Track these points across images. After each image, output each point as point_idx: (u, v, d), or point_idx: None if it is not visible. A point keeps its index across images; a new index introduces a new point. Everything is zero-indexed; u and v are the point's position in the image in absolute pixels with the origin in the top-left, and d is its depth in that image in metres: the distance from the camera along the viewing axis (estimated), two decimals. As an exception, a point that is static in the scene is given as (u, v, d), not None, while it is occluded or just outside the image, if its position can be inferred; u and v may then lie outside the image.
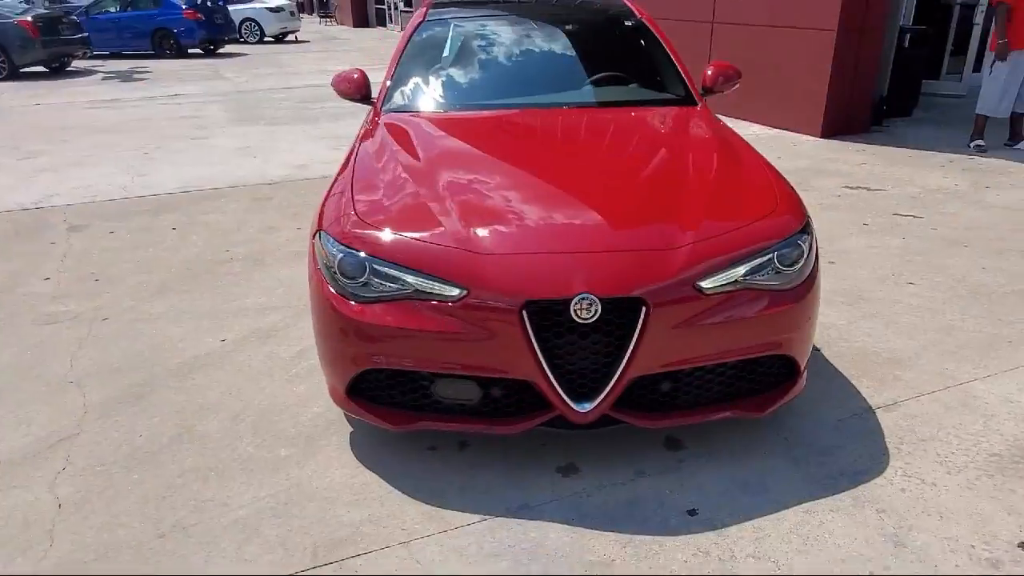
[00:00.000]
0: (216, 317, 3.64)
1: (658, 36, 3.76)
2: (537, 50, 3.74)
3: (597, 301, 2.15)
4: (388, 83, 3.51)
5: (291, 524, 2.24)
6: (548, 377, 2.22)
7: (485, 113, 3.30)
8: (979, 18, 9.61)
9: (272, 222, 5.09)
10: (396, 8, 24.05)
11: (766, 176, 2.71)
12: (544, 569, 2.06)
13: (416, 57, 3.63)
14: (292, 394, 2.95)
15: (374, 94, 3.57)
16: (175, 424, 2.76)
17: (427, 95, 3.49)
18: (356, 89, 3.53)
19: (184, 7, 16.60)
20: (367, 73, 3.65)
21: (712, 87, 3.60)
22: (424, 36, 3.74)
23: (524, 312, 2.16)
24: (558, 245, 2.28)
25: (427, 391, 2.38)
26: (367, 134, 3.19)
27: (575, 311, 2.15)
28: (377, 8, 26.39)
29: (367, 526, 2.23)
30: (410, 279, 2.26)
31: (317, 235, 2.50)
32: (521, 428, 2.33)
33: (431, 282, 2.24)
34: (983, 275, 3.98)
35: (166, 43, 16.81)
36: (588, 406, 2.26)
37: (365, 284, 2.31)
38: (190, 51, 17.26)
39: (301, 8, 23.61)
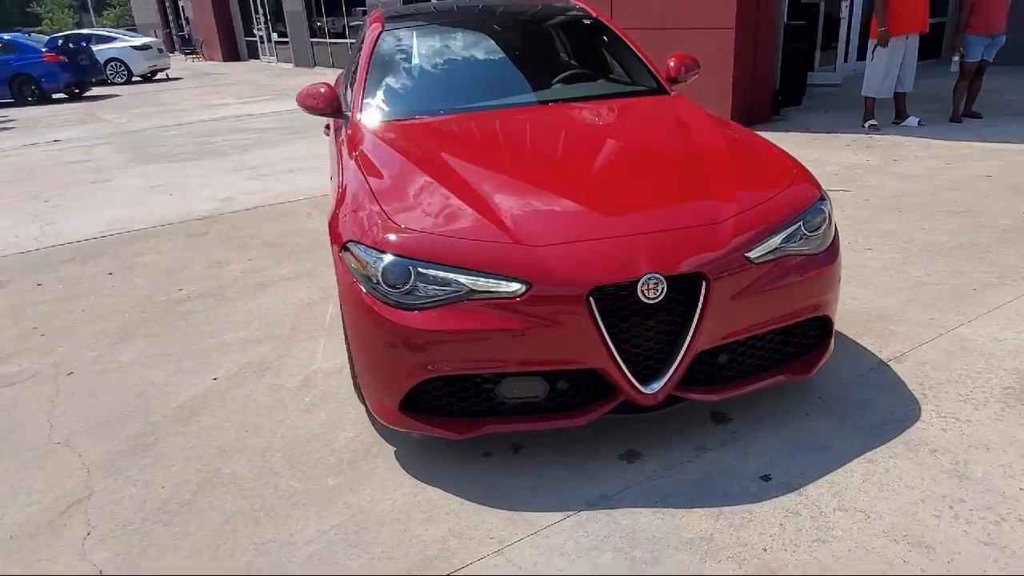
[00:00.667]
0: (197, 357, 3.39)
1: (619, 33, 3.86)
2: (506, 52, 3.74)
3: (663, 280, 2.16)
4: (361, 93, 3.40)
5: (371, 551, 2.11)
6: (617, 362, 2.21)
7: (479, 114, 3.26)
8: (845, 12, 10.47)
9: (218, 256, 4.80)
10: (269, 40, 23.35)
11: (774, 150, 2.82)
12: (651, 554, 2.03)
13: (385, 66, 3.55)
14: (315, 423, 2.78)
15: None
16: (198, 470, 2.54)
17: (410, 101, 3.42)
18: (327, 103, 3.40)
19: (44, 50, 15.45)
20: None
21: (676, 77, 3.72)
22: (388, 45, 3.66)
23: (591, 299, 2.15)
24: (614, 229, 2.28)
25: (490, 394, 2.31)
26: (354, 145, 3.07)
27: (642, 292, 2.16)
28: (248, 40, 25.51)
29: (452, 540, 2.13)
30: (463, 279, 2.19)
31: (346, 248, 2.38)
32: (588, 419, 2.31)
33: (487, 280, 2.18)
34: (926, 235, 4.31)
35: (27, 89, 15.56)
36: (655, 387, 2.27)
37: (410, 291, 2.22)
38: (54, 96, 16.07)
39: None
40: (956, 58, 7.70)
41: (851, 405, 2.65)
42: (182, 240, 5.23)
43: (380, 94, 3.41)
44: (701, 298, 2.23)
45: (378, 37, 3.66)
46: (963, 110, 7.54)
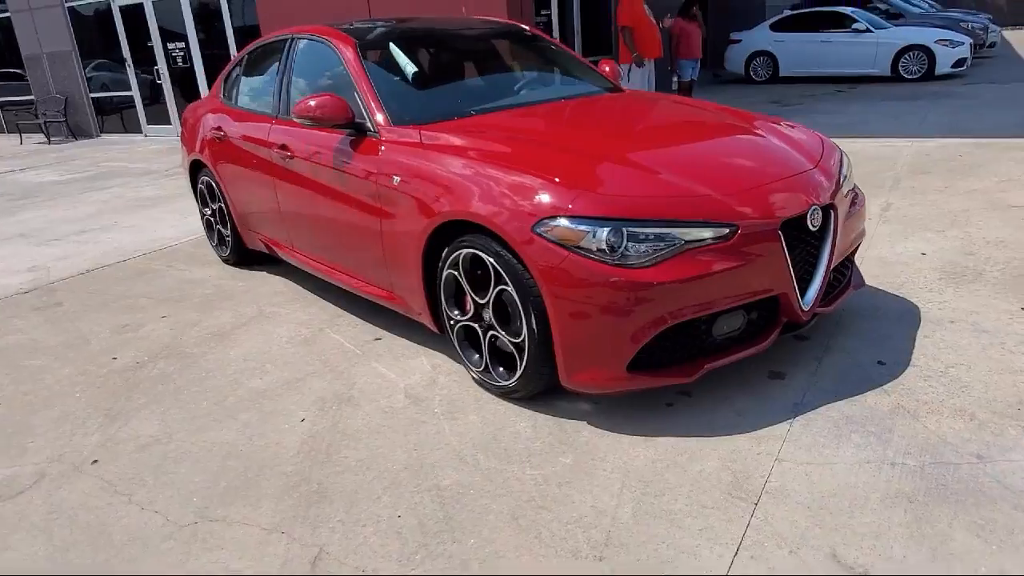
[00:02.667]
0: (244, 409, 2.93)
1: (561, 45, 4.24)
2: (482, 62, 3.88)
3: (820, 210, 2.64)
4: (373, 104, 3.26)
5: (682, 496, 2.20)
6: (794, 287, 2.62)
7: (519, 110, 3.36)
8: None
9: (116, 321, 4.01)
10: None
11: (782, 121, 3.46)
12: (880, 428, 2.46)
13: (385, 76, 3.45)
14: (476, 424, 2.68)
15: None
16: (416, 491, 2.31)
17: (432, 106, 3.37)
18: (341, 113, 3.20)
19: None
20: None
21: (612, 81, 4.23)
22: (372, 56, 3.55)
23: (780, 232, 2.53)
24: (770, 173, 2.67)
25: (702, 334, 2.53)
26: (417, 147, 2.96)
27: (810, 222, 2.60)
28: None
29: (733, 465, 2.32)
30: (676, 232, 2.41)
31: (546, 223, 2.41)
32: (769, 342, 2.67)
33: (699, 229, 2.43)
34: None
35: None
36: (808, 305, 2.72)
37: (623, 253, 2.37)
38: None
39: None
40: (675, 78, 9.51)
41: (889, 317, 3.38)
42: (34, 315, 4.22)
43: (395, 104, 3.29)
44: (832, 224, 2.75)
45: (358, 48, 3.52)
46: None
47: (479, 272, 2.76)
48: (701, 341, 2.55)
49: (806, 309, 2.69)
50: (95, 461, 2.64)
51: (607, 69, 4.22)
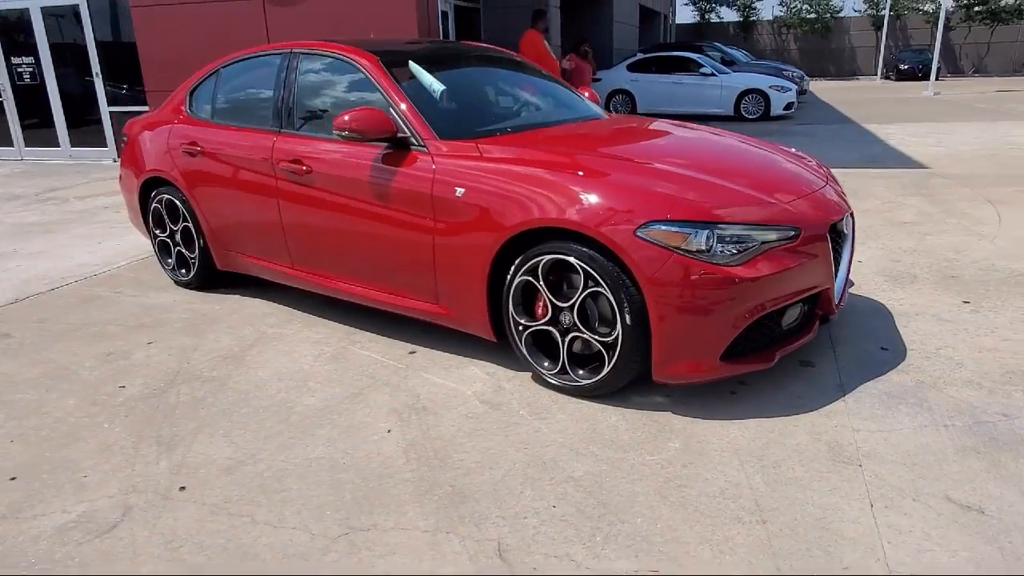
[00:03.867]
0: (317, 427, 2.84)
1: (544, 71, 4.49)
2: (492, 84, 4.02)
3: (849, 216, 3.07)
4: (414, 118, 3.31)
5: (794, 463, 2.47)
6: (834, 282, 3.02)
7: (553, 128, 3.56)
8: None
9: (94, 350, 3.66)
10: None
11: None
12: (929, 391, 2.89)
13: (416, 92, 3.49)
14: (566, 423, 2.80)
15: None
16: (552, 485, 2.40)
17: (474, 122, 3.49)
18: (384, 126, 3.23)
19: None
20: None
21: (598, 106, 4.54)
22: (397, 74, 3.58)
23: (827, 234, 2.92)
24: (809, 185, 3.07)
25: (774, 325, 2.85)
26: (486, 162, 3.05)
27: (844, 226, 3.03)
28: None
29: (823, 437, 2.63)
30: (754, 234, 2.73)
31: (649, 227, 2.63)
32: (815, 331, 3.04)
33: (770, 232, 2.76)
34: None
35: None
36: (838, 298, 3.13)
37: (718, 253, 2.66)
38: None
39: None
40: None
41: (909, 304, 3.90)
42: (-18, 348, 3.74)
43: (436, 119, 3.36)
44: (852, 230, 3.20)
45: (386, 65, 3.55)
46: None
47: (551, 278, 2.91)
48: (772, 331, 2.87)
49: (837, 302, 3.10)
50: (183, 488, 2.45)
51: (586, 95, 4.53)
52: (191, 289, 4.58)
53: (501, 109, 3.88)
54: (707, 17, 44.12)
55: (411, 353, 3.49)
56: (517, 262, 2.96)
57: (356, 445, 2.69)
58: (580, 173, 2.88)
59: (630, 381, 2.89)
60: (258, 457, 2.63)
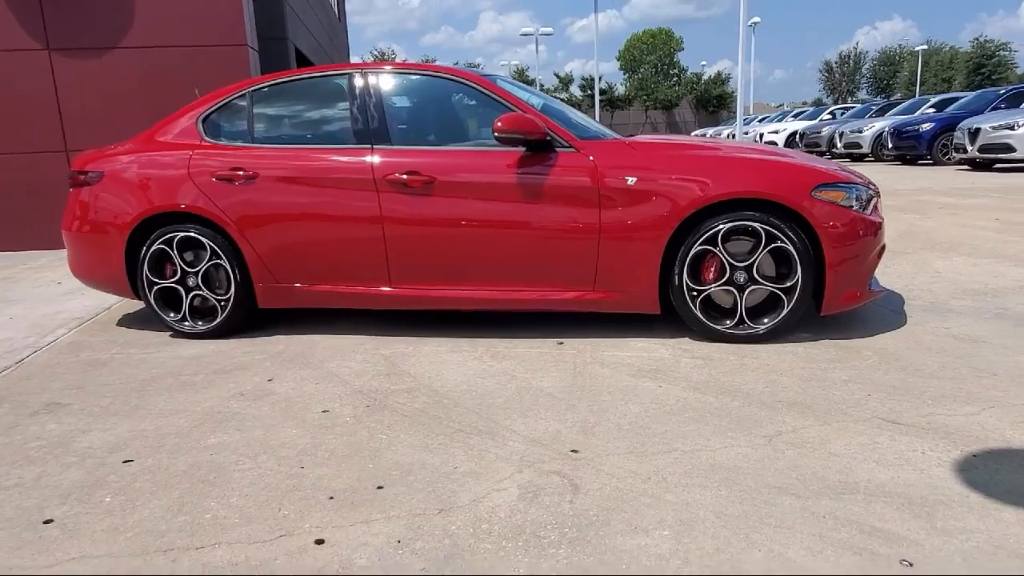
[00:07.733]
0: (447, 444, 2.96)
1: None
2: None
3: (877, 184, 4.13)
4: (552, 123, 3.60)
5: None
6: (880, 233, 4.03)
7: (641, 137, 4.05)
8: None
9: (221, 394, 3.15)
10: None
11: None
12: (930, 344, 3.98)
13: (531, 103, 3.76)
14: (775, 366, 3.31)
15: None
16: (883, 405, 2.91)
17: (574, 128, 3.85)
18: (539, 129, 3.47)
19: None
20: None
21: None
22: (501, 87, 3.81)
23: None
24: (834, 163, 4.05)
25: (873, 265, 3.74)
26: (649, 152, 3.58)
27: (879, 191, 4.07)
28: None
29: (918, 345, 3.53)
30: (870, 191, 3.60)
31: (819, 189, 3.35)
32: (874, 272, 4.00)
33: (871, 190, 3.62)
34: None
35: None
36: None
37: (861, 206, 3.48)
38: None
39: None
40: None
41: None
42: (52, 421, 2.97)
43: (564, 124, 3.71)
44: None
45: (494, 83, 3.79)
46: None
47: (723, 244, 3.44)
48: (867, 269, 3.75)
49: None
50: (333, 526, 2.45)
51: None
52: (207, 338, 4.03)
53: (576, 123, 4.25)
54: None
55: (558, 344, 3.66)
56: (695, 232, 3.41)
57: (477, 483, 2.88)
58: (742, 155, 3.51)
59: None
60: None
